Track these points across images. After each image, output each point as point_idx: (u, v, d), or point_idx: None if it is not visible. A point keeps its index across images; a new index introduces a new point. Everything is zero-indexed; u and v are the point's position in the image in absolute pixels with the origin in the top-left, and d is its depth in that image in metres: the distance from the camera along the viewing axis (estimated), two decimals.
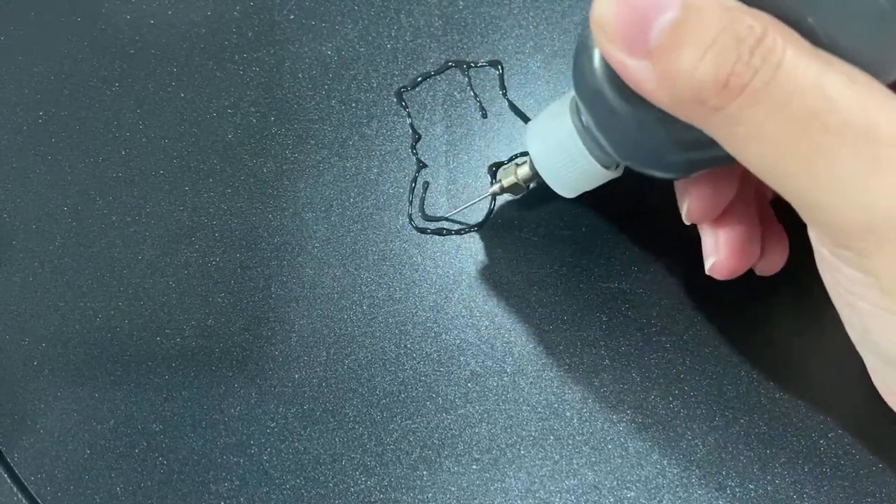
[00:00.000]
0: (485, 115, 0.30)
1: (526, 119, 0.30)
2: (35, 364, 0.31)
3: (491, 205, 0.29)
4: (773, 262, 0.25)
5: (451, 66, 0.31)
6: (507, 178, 0.26)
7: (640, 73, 0.16)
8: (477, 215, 0.29)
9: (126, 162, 0.32)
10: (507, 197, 0.29)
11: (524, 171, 0.25)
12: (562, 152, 0.22)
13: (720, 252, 0.23)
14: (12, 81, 0.33)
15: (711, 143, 0.16)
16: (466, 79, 0.31)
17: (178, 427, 0.29)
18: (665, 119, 0.17)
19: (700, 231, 0.24)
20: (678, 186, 0.23)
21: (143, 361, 0.30)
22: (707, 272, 0.24)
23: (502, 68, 0.30)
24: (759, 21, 0.14)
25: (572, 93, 0.22)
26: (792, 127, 0.14)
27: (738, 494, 0.26)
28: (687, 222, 0.23)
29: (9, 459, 0.30)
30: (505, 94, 0.30)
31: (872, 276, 0.15)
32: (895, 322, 0.16)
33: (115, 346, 0.30)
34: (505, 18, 0.31)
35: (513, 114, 0.30)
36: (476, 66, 0.31)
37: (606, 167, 0.22)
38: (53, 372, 0.31)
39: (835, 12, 0.15)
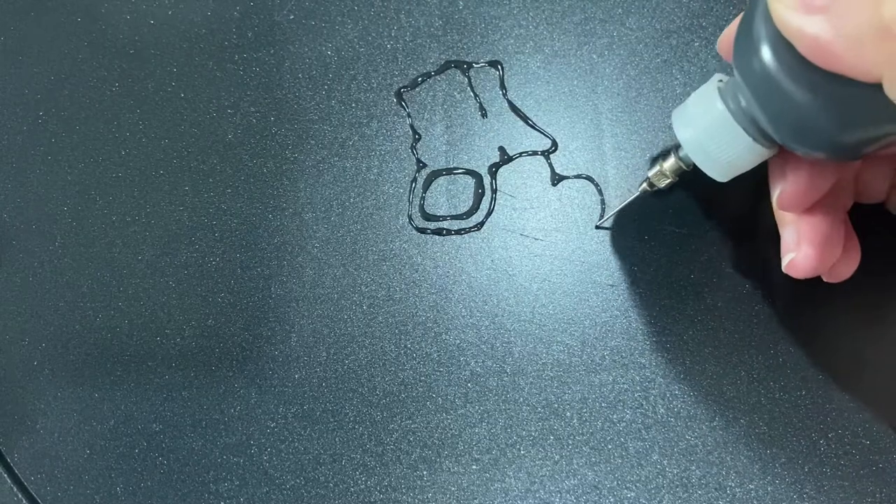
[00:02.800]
0: (485, 115, 0.30)
1: (526, 119, 0.30)
2: (35, 364, 0.31)
3: (491, 205, 0.29)
4: (845, 268, 0.24)
5: (451, 67, 0.31)
6: (653, 169, 0.26)
7: (815, 31, 0.16)
8: (477, 215, 0.29)
9: (126, 162, 0.32)
10: (507, 197, 0.29)
11: (670, 163, 0.25)
12: (717, 136, 0.22)
13: (802, 247, 0.23)
14: (12, 81, 0.33)
15: (886, 117, 0.16)
16: (466, 79, 0.31)
17: (178, 427, 0.29)
18: (839, 95, 0.17)
19: (781, 227, 0.24)
20: (773, 171, 0.23)
21: (143, 361, 0.30)
22: (784, 269, 0.23)
23: (502, 68, 0.30)
24: None
25: (715, 79, 0.22)
26: None
27: (738, 494, 0.26)
28: (778, 208, 0.23)
29: (9, 459, 0.30)
30: (505, 94, 0.30)
31: None
32: None
33: (115, 346, 0.30)
34: (505, 18, 0.31)
35: (513, 114, 0.30)
36: (476, 66, 0.31)
37: (764, 146, 0.22)
38: (53, 372, 0.31)
39: None
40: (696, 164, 0.23)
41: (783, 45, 0.17)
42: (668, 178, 0.25)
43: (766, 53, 0.18)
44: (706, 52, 0.29)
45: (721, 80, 0.22)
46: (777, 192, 0.23)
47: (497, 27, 0.31)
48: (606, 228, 0.29)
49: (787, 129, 0.19)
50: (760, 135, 0.21)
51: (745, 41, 0.19)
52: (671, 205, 0.29)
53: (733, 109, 0.21)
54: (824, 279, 0.24)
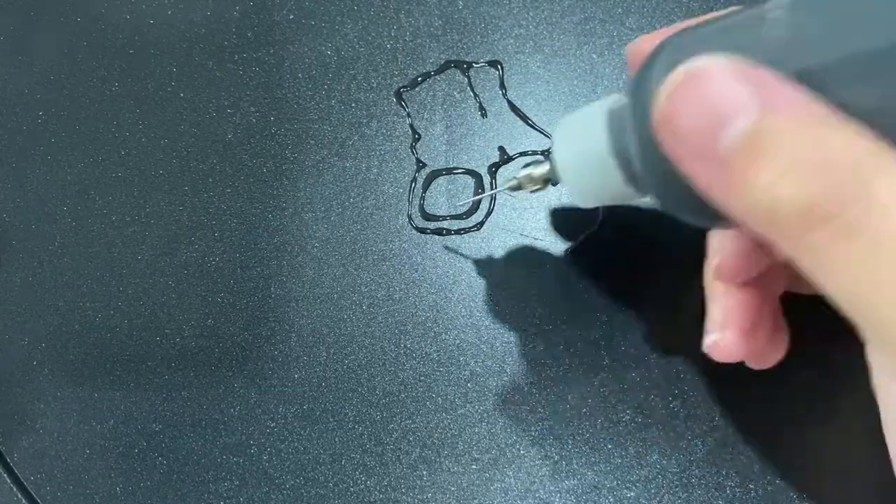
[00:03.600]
0: (484, 115, 0.30)
1: (526, 119, 0.30)
2: (35, 364, 0.31)
3: (491, 205, 0.29)
4: (771, 356, 0.23)
5: (451, 66, 0.31)
6: (524, 170, 0.24)
7: (708, 178, 0.14)
8: (477, 215, 0.29)
9: (126, 162, 0.32)
10: (506, 197, 0.29)
11: (542, 170, 0.23)
12: (589, 164, 0.20)
13: (727, 332, 0.21)
14: (12, 81, 0.33)
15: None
16: (466, 79, 0.31)
17: (177, 427, 0.29)
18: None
19: (709, 301, 0.22)
20: (713, 241, 0.21)
21: (143, 361, 0.30)
22: (704, 349, 0.22)
23: (502, 68, 0.30)
24: (851, 141, 0.12)
25: (611, 99, 0.20)
26: (888, 269, 0.12)
27: (737, 494, 0.26)
28: (711, 279, 0.21)
29: (8, 459, 0.30)
30: (505, 94, 0.30)
31: None
32: None
33: (115, 346, 0.30)
34: (505, 18, 0.31)
35: (512, 114, 0.30)
36: (476, 66, 0.31)
37: (636, 190, 0.20)
38: (53, 372, 0.31)
39: None
40: (563, 182, 0.22)
41: None
42: (538, 185, 0.24)
43: (653, 123, 0.16)
44: None
45: (616, 102, 0.20)
46: (714, 261, 0.21)
47: (497, 27, 0.31)
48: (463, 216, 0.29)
49: (659, 192, 0.17)
50: (635, 181, 0.19)
51: (644, 82, 0.16)
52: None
53: (615, 141, 0.19)
54: (749, 364, 0.23)
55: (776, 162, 0.13)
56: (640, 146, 0.17)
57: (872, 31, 0.13)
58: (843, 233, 0.12)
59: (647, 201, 0.19)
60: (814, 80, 0.13)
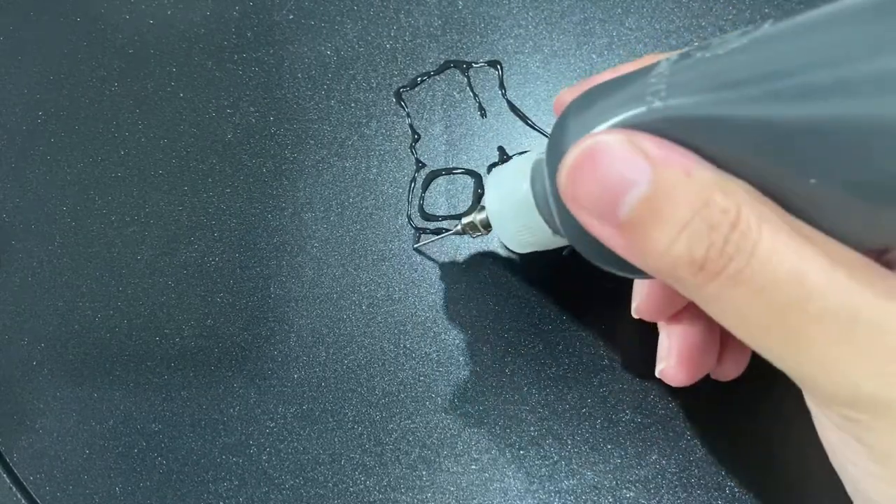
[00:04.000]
0: (484, 115, 0.30)
1: (525, 119, 0.30)
2: (35, 364, 0.31)
3: None
4: (730, 369, 0.24)
5: (451, 66, 0.31)
6: (467, 218, 0.25)
7: (611, 240, 0.15)
8: None
9: (125, 162, 0.32)
10: None
11: (481, 216, 0.25)
12: (517, 213, 0.21)
13: (671, 358, 0.22)
14: (12, 81, 0.33)
15: None
16: (466, 79, 0.31)
17: (177, 427, 0.29)
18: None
19: (658, 327, 0.23)
20: (635, 283, 0.23)
21: (142, 361, 0.30)
22: (657, 374, 0.23)
23: (502, 68, 0.30)
24: (732, 200, 0.14)
25: (536, 152, 0.22)
26: (771, 311, 0.14)
27: (737, 494, 0.26)
28: (635, 316, 0.23)
29: (8, 459, 0.30)
30: (504, 94, 0.30)
31: (862, 444, 0.15)
32: (885, 487, 0.15)
33: (115, 346, 0.30)
34: (504, 18, 0.31)
35: (512, 114, 0.30)
36: (476, 66, 0.31)
37: (558, 234, 0.21)
38: (53, 372, 0.31)
39: (830, 176, 0.13)
40: (495, 231, 0.23)
41: None
42: (479, 230, 0.25)
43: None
44: None
45: (542, 153, 0.21)
46: (635, 303, 0.22)
47: (497, 27, 0.31)
48: (421, 253, 0.29)
49: (577, 241, 0.18)
50: (556, 225, 0.19)
51: (558, 138, 0.17)
52: None
53: (538, 190, 0.20)
54: (712, 377, 0.24)
55: (669, 226, 0.14)
56: (555, 200, 0.18)
57: (736, 92, 0.14)
58: (730, 283, 0.14)
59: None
60: (696, 133, 0.14)
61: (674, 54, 0.15)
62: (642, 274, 0.17)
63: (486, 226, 0.25)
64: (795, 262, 0.13)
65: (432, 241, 0.29)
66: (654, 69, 0.15)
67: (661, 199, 0.14)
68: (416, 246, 0.29)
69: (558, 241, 0.21)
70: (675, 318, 0.22)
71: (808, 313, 0.13)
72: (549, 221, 0.21)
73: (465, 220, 0.25)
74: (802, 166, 0.13)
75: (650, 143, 0.14)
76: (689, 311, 0.22)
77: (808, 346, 0.14)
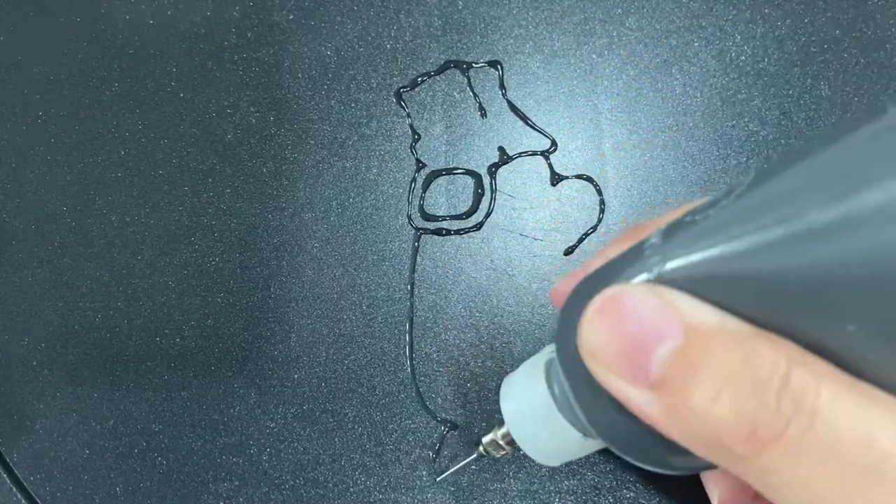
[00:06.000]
0: (484, 115, 0.30)
1: (526, 119, 0.30)
2: (35, 364, 0.31)
3: (491, 205, 0.29)
4: None
5: (451, 67, 0.31)
6: (487, 437, 0.23)
7: (644, 404, 0.13)
8: (477, 215, 0.29)
9: (126, 162, 0.32)
10: (506, 202, 0.29)
11: (504, 431, 0.22)
12: (539, 421, 0.19)
13: None
14: (12, 81, 0.33)
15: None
16: (466, 79, 0.31)
17: (177, 427, 0.29)
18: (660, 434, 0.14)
19: None
20: (704, 476, 0.20)
21: (143, 361, 0.30)
22: None
23: (502, 68, 0.30)
24: (781, 353, 0.12)
25: (548, 350, 0.20)
26: (843, 482, 0.11)
27: None
28: None
29: (8, 459, 0.30)
30: (504, 95, 0.30)
31: None
32: None
33: (116, 347, 0.30)
34: (505, 18, 0.31)
35: (512, 114, 0.30)
36: (476, 67, 0.31)
37: (592, 438, 0.19)
38: (53, 372, 0.31)
39: (883, 320, 0.11)
40: (519, 444, 0.21)
41: None
42: (504, 448, 0.23)
43: (581, 359, 0.15)
44: (706, 52, 0.29)
45: (552, 352, 0.20)
46: (715, 500, 0.20)
47: (497, 27, 0.31)
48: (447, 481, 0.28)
49: (608, 437, 0.16)
50: (585, 427, 0.18)
51: (567, 328, 0.16)
52: (672, 206, 0.29)
53: (557, 393, 0.19)
54: None
55: (710, 381, 0.12)
56: (576, 397, 0.16)
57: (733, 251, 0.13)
58: (791, 452, 0.12)
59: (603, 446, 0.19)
60: (707, 291, 0.13)
61: (662, 225, 0.15)
62: (687, 467, 0.15)
63: (510, 442, 0.22)
64: (865, 424, 0.11)
65: (455, 469, 0.27)
66: (646, 241, 0.15)
67: (698, 351, 0.13)
68: (438, 479, 0.28)
69: (590, 445, 0.19)
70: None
71: (888, 483, 0.11)
72: (574, 424, 0.19)
73: (485, 440, 0.23)
74: (832, 313, 0.12)
75: (675, 294, 0.13)
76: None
77: None
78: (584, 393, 0.16)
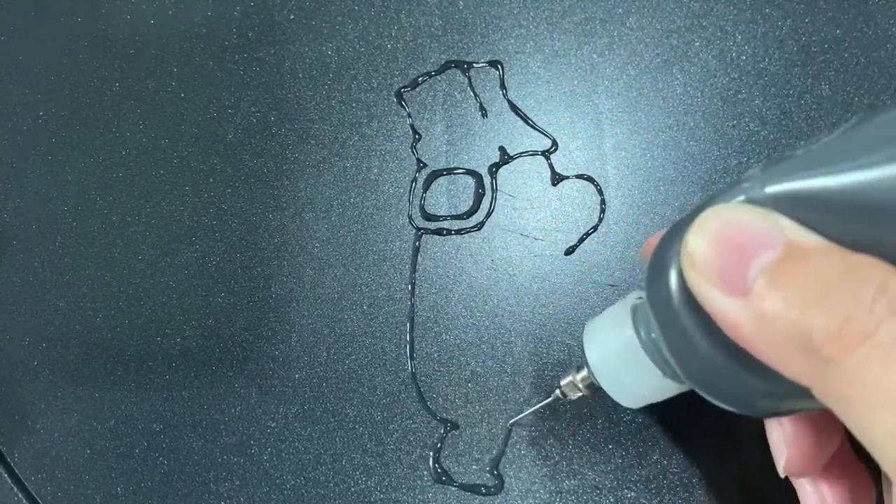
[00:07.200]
0: (485, 115, 0.30)
1: (526, 119, 0.30)
2: (35, 364, 0.31)
3: (491, 205, 0.29)
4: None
5: (452, 66, 0.31)
6: (565, 379, 0.24)
7: (735, 314, 0.14)
8: (477, 215, 0.29)
9: (126, 162, 0.32)
10: (507, 202, 0.29)
11: (583, 375, 0.23)
12: (625, 364, 0.20)
13: None
14: (12, 81, 0.33)
15: (805, 394, 0.14)
16: (466, 79, 0.31)
17: (178, 427, 0.29)
18: (752, 364, 0.15)
19: (796, 485, 0.21)
20: (771, 437, 0.21)
21: (143, 361, 0.30)
22: None
23: (502, 68, 0.30)
24: (878, 268, 0.13)
25: (633, 296, 0.21)
26: None
27: (738, 495, 0.26)
28: (783, 475, 0.20)
29: (9, 459, 0.30)
30: (505, 94, 0.30)
31: None
32: None
33: (116, 347, 0.30)
34: (505, 18, 0.31)
35: (513, 114, 0.30)
36: (476, 66, 0.31)
37: (676, 381, 0.20)
38: (53, 372, 0.31)
39: None
40: (604, 388, 0.22)
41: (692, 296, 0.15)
42: (581, 391, 0.24)
43: (675, 296, 0.16)
44: (706, 52, 0.29)
45: (639, 298, 0.21)
46: (782, 461, 0.20)
47: (497, 27, 0.31)
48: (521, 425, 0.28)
49: (696, 379, 0.17)
50: (673, 371, 0.19)
51: (659, 269, 0.16)
52: (673, 207, 0.29)
53: (644, 339, 0.19)
54: None
55: (807, 288, 0.13)
56: (667, 340, 0.17)
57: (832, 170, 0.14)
58: (881, 351, 0.12)
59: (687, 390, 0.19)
60: (804, 214, 0.14)
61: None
62: (772, 409, 0.16)
63: (588, 385, 0.23)
64: None
65: (530, 412, 0.27)
66: (743, 176, 0.15)
67: (797, 263, 0.13)
68: (511, 423, 0.28)
69: (674, 389, 0.20)
70: (825, 469, 0.20)
71: None
72: (661, 367, 0.19)
73: (563, 382, 0.24)
74: None
75: (777, 214, 0.14)
76: (840, 458, 0.20)
77: None
78: (674, 334, 0.17)
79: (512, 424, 0.28)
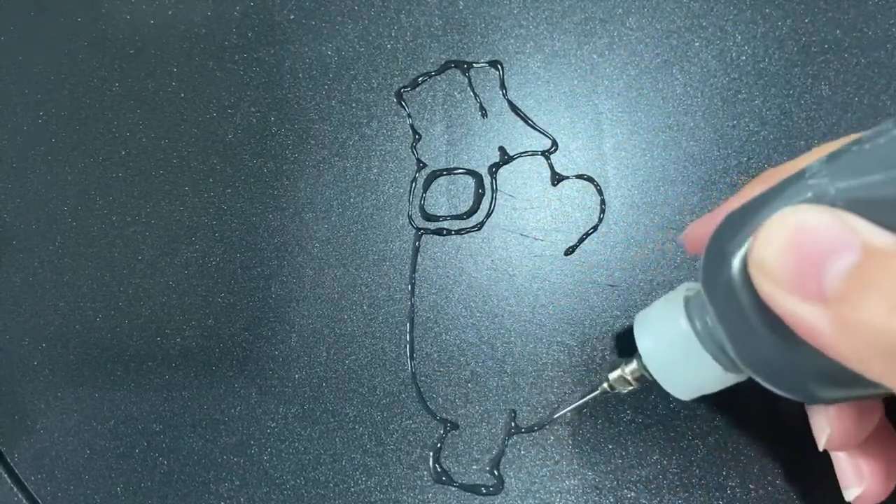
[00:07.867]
0: (485, 115, 0.30)
1: (526, 119, 0.30)
2: (35, 364, 0.31)
3: (491, 205, 0.29)
4: None
5: (452, 66, 0.31)
6: (614, 373, 0.24)
7: (814, 321, 0.14)
8: (477, 215, 0.30)
9: (126, 162, 0.32)
10: (507, 202, 0.30)
11: (633, 368, 0.23)
12: (680, 356, 0.20)
13: (869, 481, 0.20)
14: (12, 81, 0.33)
15: (869, 383, 0.14)
16: (466, 79, 0.31)
17: (178, 427, 0.29)
18: (815, 354, 0.15)
19: (834, 456, 0.21)
20: (813, 414, 0.21)
21: (143, 361, 0.30)
22: (852, 501, 0.21)
23: (502, 68, 0.30)
24: None
25: (683, 288, 0.21)
26: None
27: (738, 494, 0.26)
28: (825, 448, 0.21)
29: (9, 459, 0.30)
30: (505, 95, 0.30)
31: None
32: None
33: (116, 347, 0.30)
34: (505, 18, 0.31)
35: (513, 114, 0.30)
36: (476, 67, 0.31)
37: (733, 373, 0.20)
38: (53, 372, 0.31)
39: None
40: (657, 380, 0.21)
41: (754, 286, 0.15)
42: (631, 384, 0.24)
43: (739, 289, 0.16)
44: (706, 52, 0.29)
45: (689, 290, 0.21)
46: (824, 437, 0.20)
47: (497, 27, 0.31)
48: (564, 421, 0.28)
49: (756, 367, 0.17)
50: (729, 361, 0.19)
51: (717, 259, 0.16)
52: (673, 207, 0.29)
53: (699, 329, 0.19)
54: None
55: (890, 292, 0.13)
56: (726, 330, 0.17)
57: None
58: None
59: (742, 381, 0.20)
60: (870, 215, 0.14)
61: (822, 157, 0.15)
62: (832, 397, 0.16)
63: (638, 378, 0.23)
64: None
65: (576, 406, 0.27)
66: (806, 170, 0.15)
67: (876, 267, 0.13)
68: (556, 416, 0.27)
69: (729, 380, 0.20)
70: (864, 444, 0.21)
71: None
72: (717, 357, 0.19)
73: (612, 376, 0.24)
74: None
75: (850, 215, 0.13)
76: (878, 431, 0.20)
77: None
78: (734, 323, 0.16)
79: (557, 418, 0.27)
